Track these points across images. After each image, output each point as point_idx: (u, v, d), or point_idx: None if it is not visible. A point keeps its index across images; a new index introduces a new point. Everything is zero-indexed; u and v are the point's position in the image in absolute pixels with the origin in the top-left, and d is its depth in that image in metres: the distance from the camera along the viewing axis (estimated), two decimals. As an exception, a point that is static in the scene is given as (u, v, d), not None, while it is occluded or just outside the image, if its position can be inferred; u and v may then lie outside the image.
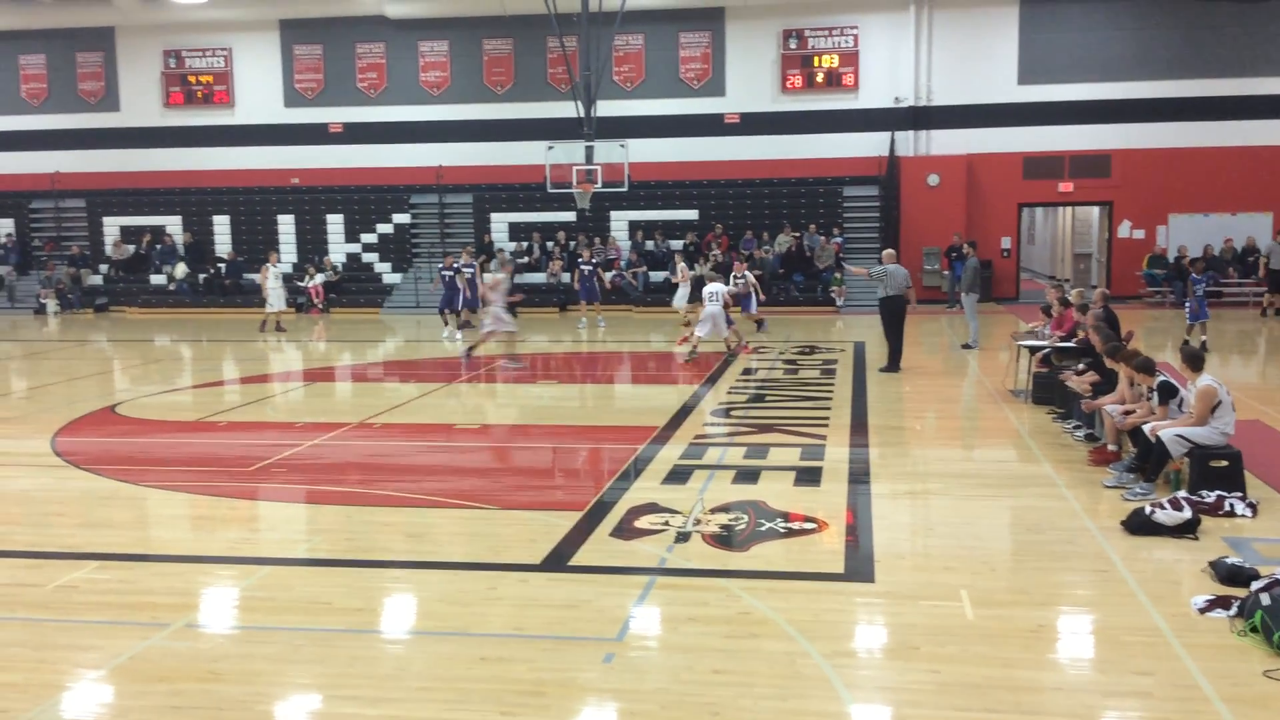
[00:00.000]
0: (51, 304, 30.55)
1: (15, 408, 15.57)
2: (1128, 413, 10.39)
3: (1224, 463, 9.25)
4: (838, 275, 27.76)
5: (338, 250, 31.58)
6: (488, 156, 30.83)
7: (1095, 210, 30.82)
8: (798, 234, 29.33)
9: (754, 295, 22.96)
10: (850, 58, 29.28)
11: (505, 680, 6.03)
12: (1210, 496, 8.98)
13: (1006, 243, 29.17)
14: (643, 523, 8.95)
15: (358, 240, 31.62)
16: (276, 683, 6.11)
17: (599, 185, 25.30)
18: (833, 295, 27.74)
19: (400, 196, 31.58)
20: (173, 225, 32.57)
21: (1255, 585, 6.80)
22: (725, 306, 18.89)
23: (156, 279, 31.64)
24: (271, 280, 24.65)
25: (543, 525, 8.99)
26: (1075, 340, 13.78)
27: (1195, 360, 9.78)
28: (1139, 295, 27.52)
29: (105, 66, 32.61)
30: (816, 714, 5.61)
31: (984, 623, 6.74)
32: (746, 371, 17.53)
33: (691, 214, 30.19)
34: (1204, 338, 18.67)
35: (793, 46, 29.44)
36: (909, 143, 29.24)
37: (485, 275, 21.22)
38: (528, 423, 14.09)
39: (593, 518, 9.16)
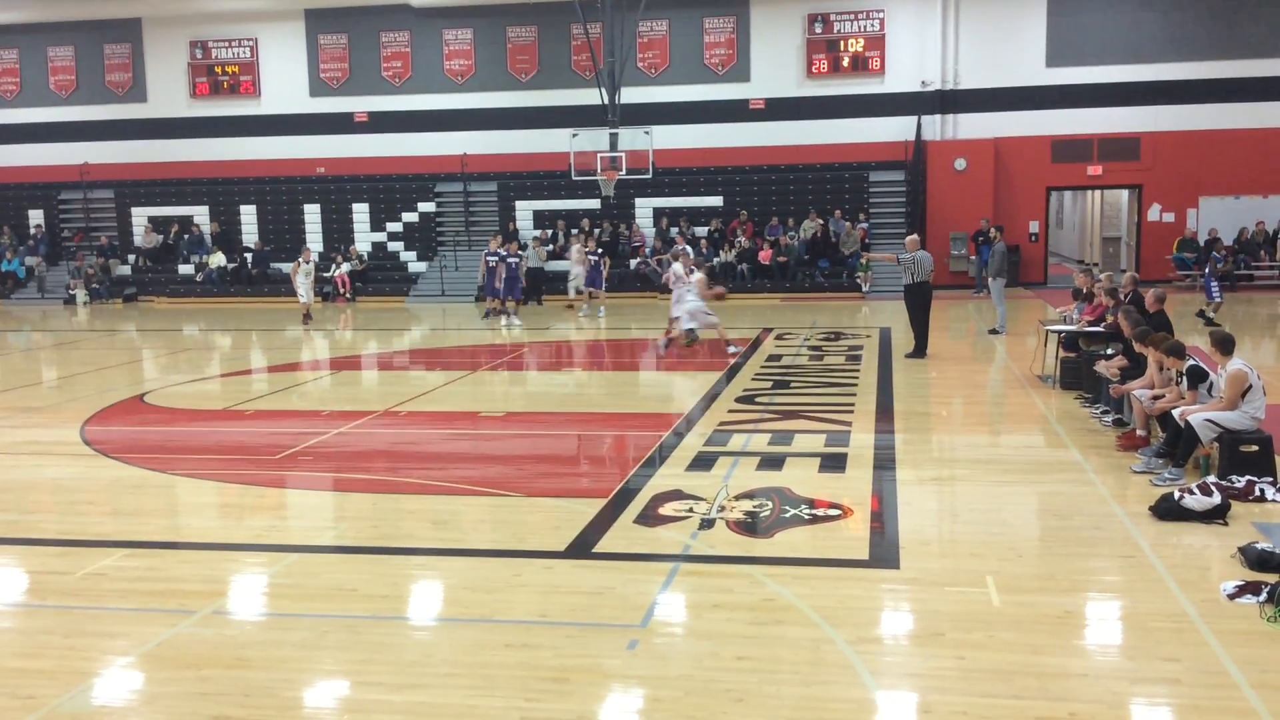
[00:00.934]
0: (81, 294, 30.83)
1: (45, 397, 15.72)
2: (1157, 397, 10.29)
3: (1254, 447, 9.15)
4: (863, 261, 27.65)
5: (363, 239, 31.72)
6: (512, 144, 30.86)
7: (1124, 194, 30.54)
8: (823, 220, 29.22)
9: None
10: (876, 41, 29.08)
11: (530, 666, 6.04)
12: (1240, 481, 8.89)
13: (1034, 227, 28.96)
14: (667, 509, 8.94)
15: (383, 229, 31.74)
16: (303, 669, 6.14)
17: (623, 172, 25.30)
18: (858, 281, 27.61)
19: (425, 185, 31.67)
20: (200, 215, 32.82)
21: (1286, 571, 6.73)
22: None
23: (185, 269, 31.89)
24: (301, 278, 24.13)
25: (567, 512, 8.99)
26: (1104, 325, 13.65)
27: (1226, 344, 9.66)
28: (1169, 279, 27.23)
29: (133, 58, 32.83)
30: (841, 700, 5.58)
31: (1010, 609, 6.69)
32: (771, 358, 17.48)
33: (716, 201, 30.11)
34: (1210, 315, 18.67)
35: (818, 31, 29.27)
36: (935, 127, 29.04)
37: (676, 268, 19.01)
38: (551, 410, 14.11)
39: (617, 505, 9.16)
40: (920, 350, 17.01)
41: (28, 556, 8.29)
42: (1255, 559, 7.21)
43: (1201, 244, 27.10)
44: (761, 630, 6.45)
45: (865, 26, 29.15)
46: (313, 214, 32.16)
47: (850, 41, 29.23)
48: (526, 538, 8.45)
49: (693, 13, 29.79)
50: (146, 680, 6.05)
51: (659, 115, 28.58)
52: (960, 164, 28.44)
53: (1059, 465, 10.28)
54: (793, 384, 15.21)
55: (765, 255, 28.37)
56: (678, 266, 18.50)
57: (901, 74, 29.06)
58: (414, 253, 31.60)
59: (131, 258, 32.64)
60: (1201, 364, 10.11)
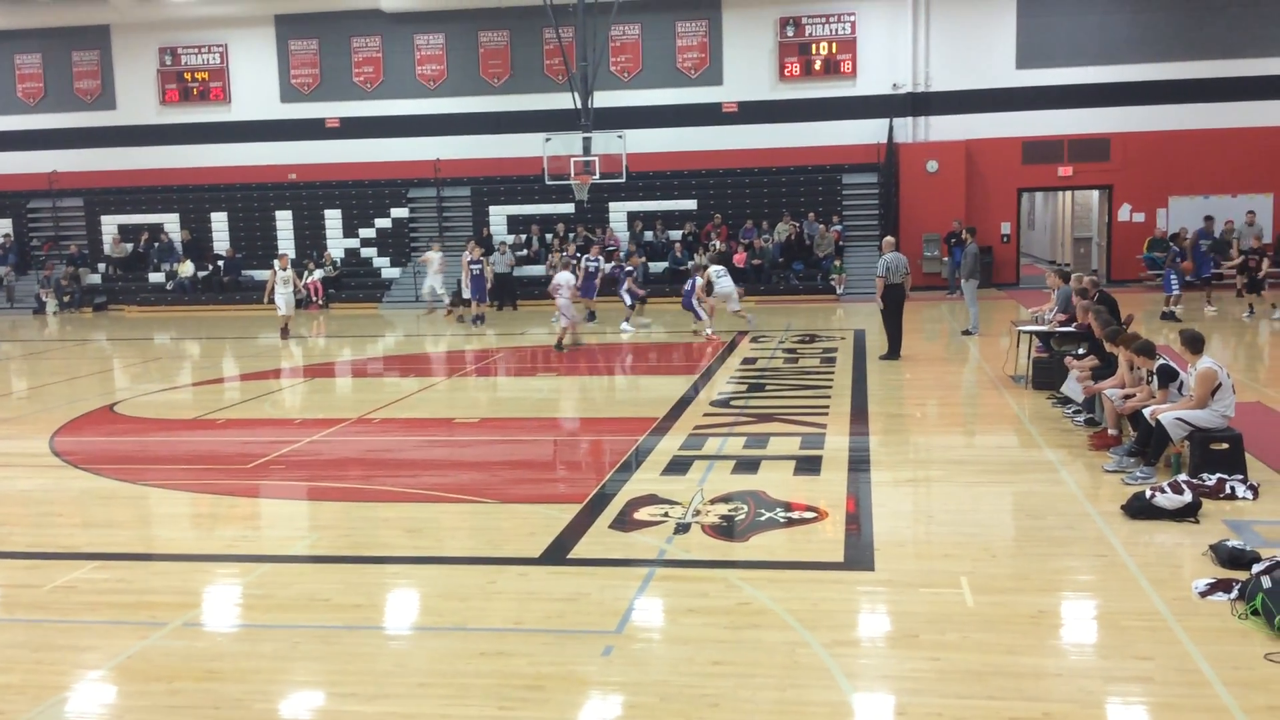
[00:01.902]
0: (50, 303, 30.54)
1: (14, 408, 15.55)
2: (1128, 396, 10.36)
3: (1224, 445, 9.21)
4: (837, 264, 27.73)
5: (336, 245, 31.54)
6: (485, 149, 30.76)
7: (1095, 194, 30.74)
8: (797, 222, 29.29)
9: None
10: (848, 45, 29.18)
11: (505, 675, 6.01)
12: (1211, 479, 8.95)
13: (1006, 228, 29.12)
14: (642, 514, 8.92)
15: (356, 235, 31.59)
16: (275, 680, 6.09)
17: (597, 176, 25.27)
18: (833, 283, 27.69)
19: (398, 190, 31.54)
20: (170, 223, 32.54)
21: (1256, 568, 6.77)
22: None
23: (155, 277, 31.63)
24: (280, 286, 23.05)
25: (542, 518, 8.97)
26: (1075, 325, 13.73)
27: (1195, 343, 9.73)
28: (1139, 279, 27.45)
29: (101, 65, 32.55)
30: (817, 704, 5.58)
31: (985, 609, 6.72)
32: (746, 361, 17.50)
33: (690, 204, 30.13)
34: (1172, 309, 19.13)
35: (790, 34, 29.35)
36: (908, 129, 29.16)
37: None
38: (526, 415, 14.07)
39: (592, 510, 9.13)
40: (894, 352, 17.06)
41: (-4, 570, 8.19)
42: (1226, 556, 7.26)
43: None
44: (737, 635, 6.44)
45: (836, 29, 29.25)
46: (284, 221, 31.95)
47: (822, 44, 29.31)
48: (501, 544, 8.42)
49: (665, 17, 29.80)
50: (117, 693, 5.99)
51: (632, 119, 28.57)
52: (932, 166, 28.58)
53: (1032, 465, 10.33)
54: (768, 387, 15.23)
55: (740, 258, 28.38)
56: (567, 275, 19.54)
57: (873, 77, 29.16)
58: (387, 259, 31.46)
59: (102, 266, 32.34)
60: (1171, 363, 10.18)
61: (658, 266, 28.70)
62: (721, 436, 11.88)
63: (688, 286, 21.45)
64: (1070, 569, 7.46)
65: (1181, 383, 9.85)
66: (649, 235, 29.64)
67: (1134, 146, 28.05)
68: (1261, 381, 14.48)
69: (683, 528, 8.53)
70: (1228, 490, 8.84)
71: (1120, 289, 21.86)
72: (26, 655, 6.51)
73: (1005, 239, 29.10)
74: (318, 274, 29.94)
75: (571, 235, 29.62)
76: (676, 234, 29.35)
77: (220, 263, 31.44)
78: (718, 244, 27.65)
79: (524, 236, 30.25)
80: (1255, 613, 6.34)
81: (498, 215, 30.97)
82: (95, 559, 8.28)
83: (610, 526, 8.67)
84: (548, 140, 25.66)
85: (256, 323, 25.52)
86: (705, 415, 13.17)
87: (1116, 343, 10.76)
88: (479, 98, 30.81)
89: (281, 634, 6.70)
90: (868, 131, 29.15)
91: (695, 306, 20.91)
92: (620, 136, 25.45)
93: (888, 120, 28.92)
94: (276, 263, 23.72)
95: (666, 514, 8.89)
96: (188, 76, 32.18)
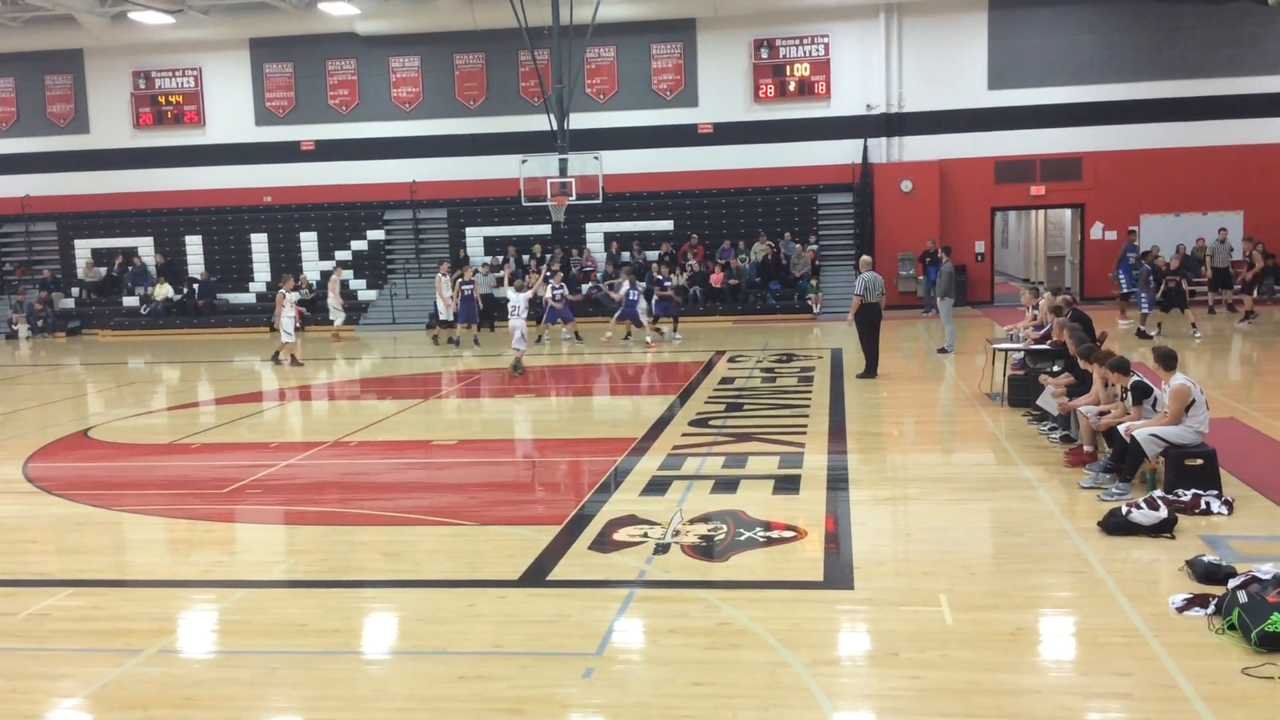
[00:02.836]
0: (23, 328, 30.29)
1: (-13, 434, 15.40)
2: (1103, 413, 10.43)
3: (1199, 461, 9.28)
4: (813, 283, 27.84)
5: (312, 268, 31.41)
6: (461, 171, 30.78)
7: (1067, 213, 31.03)
8: (773, 242, 29.41)
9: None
10: (821, 66, 29.38)
11: (485, 698, 5.98)
12: (1186, 495, 9.01)
13: (980, 247, 29.33)
14: (621, 535, 8.91)
15: (332, 257, 31.46)
16: (253, 707, 6.03)
17: (573, 198, 25.29)
18: (809, 302, 27.80)
19: (374, 213, 31.50)
20: (144, 246, 32.38)
21: (1232, 583, 6.82)
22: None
23: (129, 301, 31.43)
24: (288, 309, 22.07)
25: (521, 540, 8.93)
26: (1050, 342, 13.83)
27: (1168, 360, 9.82)
28: (1112, 296, 27.62)
29: (74, 89, 32.42)
30: (798, 724, 5.58)
31: (964, 627, 6.73)
32: (724, 380, 17.53)
33: (667, 225, 30.22)
34: (1135, 324, 19.93)
35: (764, 56, 29.54)
36: (882, 149, 29.36)
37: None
38: (504, 436, 14.03)
39: (571, 531, 9.11)
40: (871, 370, 17.13)
41: (-32, 598, 8.09)
42: (1203, 571, 7.31)
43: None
44: (718, 655, 6.43)
45: (810, 51, 29.45)
46: (260, 243, 31.84)
47: (796, 66, 29.50)
48: (480, 567, 8.38)
49: (640, 39, 29.95)
50: (92, 723, 5.92)
51: (608, 140, 28.66)
52: (906, 186, 28.78)
53: (1009, 482, 10.37)
54: (746, 406, 15.25)
55: (717, 278, 28.49)
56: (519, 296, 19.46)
57: (847, 98, 29.37)
58: (364, 281, 31.37)
59: (75, 290, 32.12)
60: (1145, 380, 10.26)
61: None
62: (700, 456, 11.89)
63: (631, 296, 22.76)
64: (1048, 585, 7.49)
65: (1155, 399, 9.93)
66: (626, 256, 29.67)
67: (1105, 165, 28.35)
68: (1232, 397, 14.61)
69: (662, 548, 8.51)
70: (1203, 505, 8.90)
71: (1094, 306, 21.98)
72: (0, 684, 6.43)
73: (979, 257, 29.30)
74: (294, 297, 29.71)
75: (549, 256, 29.64)
76: (653, 254, 29.41)
77: (195, 286, 31.27)
78: (693, 264, 27.69)
79: (501, 258, 30.22)
80: (1232, 627, 6.38)
81: (474, 237, 30.95)
82: (69, 585, 8.19)
83: (589, 548, 8.65)
84: (524, 162, 25.69)
85: (232, 346, 25.39)
86: (684, 435, 13.17)
87: (1091, 360, 10.84)
88: (455, 120, 30.85)
89: (259, 660, 6.65)
90: (842, 152, 29.35)
91: (637, 314, 22.51)
92: (596, 158, 25.51)
93: (862, 141, 29.12)
94: (283, 286, 22.77)
95: (646, 534, 8.88)
96: (162, 100, 32.09)
